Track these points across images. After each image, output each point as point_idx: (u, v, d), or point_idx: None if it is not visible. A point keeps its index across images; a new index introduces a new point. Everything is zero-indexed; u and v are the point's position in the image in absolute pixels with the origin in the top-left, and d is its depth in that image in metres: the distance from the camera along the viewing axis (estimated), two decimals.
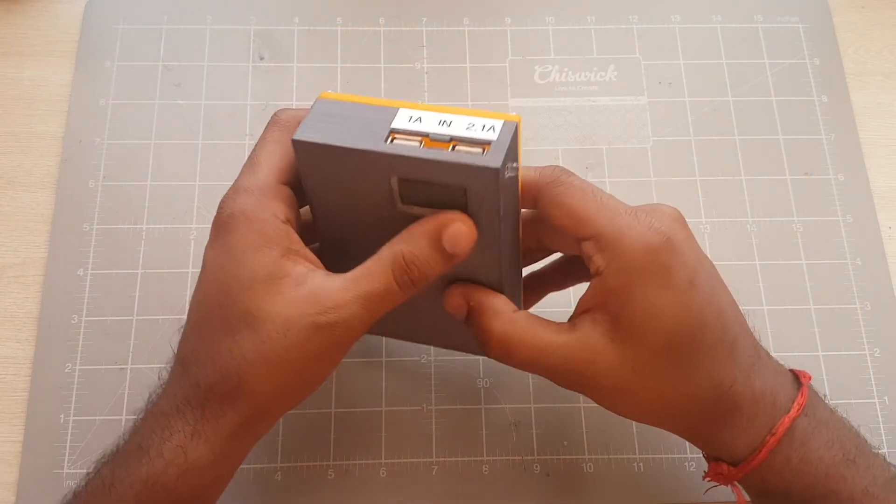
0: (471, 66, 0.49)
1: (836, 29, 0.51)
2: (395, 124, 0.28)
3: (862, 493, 0.30)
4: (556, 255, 0.36)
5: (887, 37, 0.51)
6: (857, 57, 0.51)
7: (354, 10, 0.51)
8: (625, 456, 0.41)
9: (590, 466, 0.40)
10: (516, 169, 0.29)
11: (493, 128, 0.27)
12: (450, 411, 0.41)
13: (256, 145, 0.31)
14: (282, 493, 0.39)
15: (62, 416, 0.40)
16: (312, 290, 0.29)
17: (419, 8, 0.51)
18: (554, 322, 0.32)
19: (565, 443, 0.41)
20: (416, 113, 0.28)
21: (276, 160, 0.30)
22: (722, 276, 0.32)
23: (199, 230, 0.44)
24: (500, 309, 0.31)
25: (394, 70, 0.49)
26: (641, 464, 0.40)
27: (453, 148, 0.27)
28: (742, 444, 0.31)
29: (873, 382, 0.42)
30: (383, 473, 0.40)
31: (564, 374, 0.31)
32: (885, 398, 0.42)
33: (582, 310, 0.31)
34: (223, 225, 0.29)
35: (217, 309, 0.29)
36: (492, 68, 0.49)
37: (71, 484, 0.37)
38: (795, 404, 0.31)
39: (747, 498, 0.34)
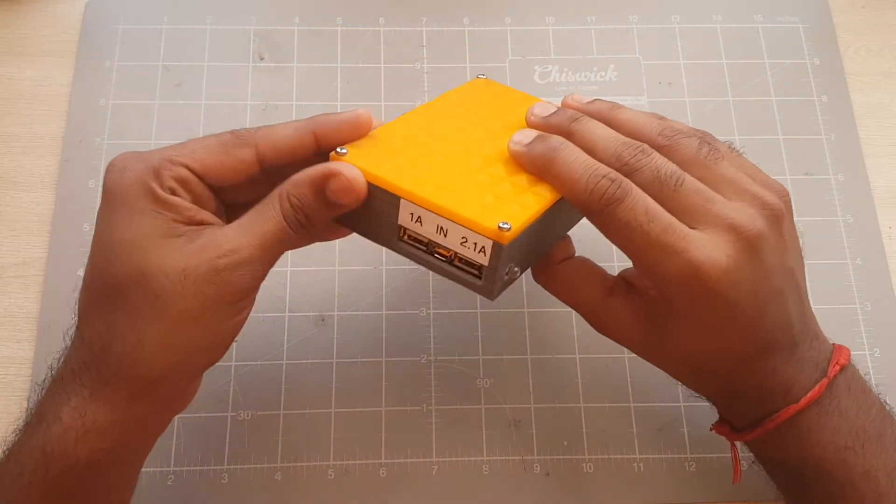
0: (471, 66, 0.49)
1: (836, 29, 0.51)
2: (401, 220, 0.31)
3: (861, 476, 0.31)
4: None
5: (887, 37, 0.51)
6: (857, 57, 0.51)
7: (354, 10, 0.51)
8: (625, 456, 0.41)
9: (590, 466, 0.40)
10: (517, 271, 0.31)
11: (483, 249, 0.29)
12: (450, 411, 0.41)
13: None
14: (282, 493, 0.39)
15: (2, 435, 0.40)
16: (209, 238, 0.29)
17: (419, 8, 0.51)
18: (600, 274, 0.33)
19: (565, 443, 0.41)
20: (415, 210, 0.30)
21: (201, 152, 0.31)
22: None
23: None
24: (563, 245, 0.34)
25: (394, 70, 0.49)
26: (641, 464, 0.40)
27: (455, 257, 0.31)
28: (743, 421, 0.33)
29: (873, 382, 0.42)
30: (383, 473, 0.40)
31: (593, 323, 0.34)
32: (885, 398, 0.42)
33: (627, 279, 0.33)
34: (110, 191, 0.29)
35: (103, 270, 0.29)
36: (492, 68, 0.49)
37: None
38: (805, 399, 0.31)
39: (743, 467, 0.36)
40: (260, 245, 0.29)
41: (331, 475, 0.40)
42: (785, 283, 0.31)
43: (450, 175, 0.31)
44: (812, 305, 0.44)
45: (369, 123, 0.32)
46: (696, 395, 0.35)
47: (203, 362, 0.30)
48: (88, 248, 0.43)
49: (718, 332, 0.30)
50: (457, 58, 0.49)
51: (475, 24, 0.51)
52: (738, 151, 0.33)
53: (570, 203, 0.31)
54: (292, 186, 0.30)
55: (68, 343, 0.31)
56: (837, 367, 0.32)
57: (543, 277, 0.34)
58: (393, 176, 0.30)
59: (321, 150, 0.31)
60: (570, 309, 0.43)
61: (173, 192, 0.30)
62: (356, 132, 0.32)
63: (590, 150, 0.31)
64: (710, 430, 0.36)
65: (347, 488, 0.40)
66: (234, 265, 0.28)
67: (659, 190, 0.30)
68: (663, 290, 0.30)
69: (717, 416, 0.35)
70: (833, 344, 0.33)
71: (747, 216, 0.30)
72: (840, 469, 0.31)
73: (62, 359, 0.30)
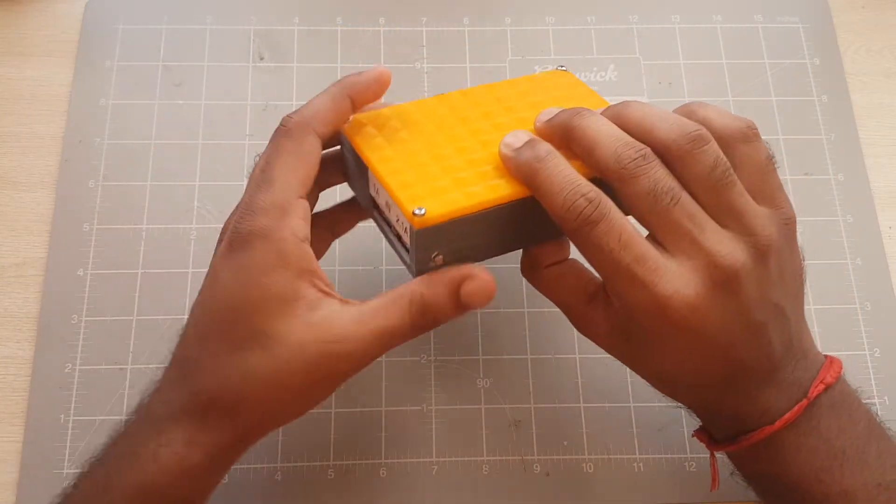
0: (471, 66, 0.49)
1: (836, 29, 0.51)
2: (370, 190, 0.33)
3: (838, 495, 0.30)
4: None
5: (887, 37, 0.51)
6: (857, 57, 0.51)
7: (354, 10, 0.51)
8: (625, 456, 0.41)
9: (590, 466, 0.40)
10: (441, 259, 0.31)
11: (407, 230, 0.30)
12: (450, 411, 0.41)
13: (268, 155, 0.31)
14: (282, 493, 0.39)
15: (62, 416, 0.40)
16: (326, 316, 0.29)
17: (419, 8, 0.51)
18: (586, 278, 0.33)
19: (565, 443, 0.41)
20: (375, 182, 0.32)
21: (291, 173, 0.30)
22: None
23: (199, 230, 0.44)
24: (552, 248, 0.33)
25: (394, 70, 0.48)
26: (641, 464, 0.40)
27: (400, 237, 0.32)
28: (721, 434, 0.33)
29: (873, 382, 0.42)
30: (383, 473, 0.40)
31: (575, 325, 0.34)
32: (885, 398, 0.42)
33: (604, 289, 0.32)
34: (241, 242, 0.29)
35: (226, 324, 0.29)
36: (492, 68, 0.49)
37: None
38: (780, 421, 0.30)
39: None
40: (375, 340, 0.29)
41: (331, 475, 0.40)
42: (767, 316, 0.30)
43: (425, 154, 0.32)
44: (812, 305, 0.44)
45: (389, 79, 0.33)
46: (676, 404, 0.35)
47: (288, 422, 0.31)
48: (88, 248, 0.43)
49: (687, 357, 0.30)
50: (457, 58, 0.49)
51: (475, 24, 0.51)
52: (774, 162, 0.32)
53: (551, 215, 0.30)
54: (426, 288, 0.29)
55: (161, 376, 0.31)
56: (821, 387, 0.31)
57: (528, 275, 0.34)
58: (368, 145, 0.32)
59: (356, 110, 0.33)
60: None
61: (305, 236, 0.30)
62: (382, 89, 0.33)
63: (589, 149, 0.30)
64: (693, 436, 0.36)
65: (347, 488, 0.40)
66: (345, 355, 0.29)
67: (652, 204, 0.29)
68: (627, 315, 0.30)
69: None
70: (826, 357, 0.32)
71: (730, 249, 0.29)
72: (817, 488, 0.31)
73: (158, 394, 0.30)
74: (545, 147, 0.30)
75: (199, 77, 0.48)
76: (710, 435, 0.34)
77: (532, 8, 0.51)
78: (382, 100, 0.34)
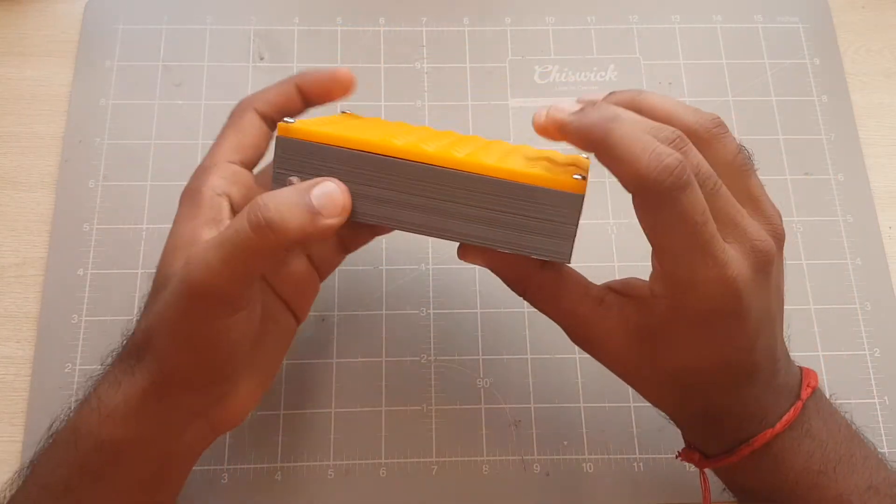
0: (471, 66, 0.49)
1: (836, 29, 0.51)
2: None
3: (833, 500, 0.30)
4: None
5: (887, 37, 0.51)
6: (857, 57, 0.51)
7: (354, 10, 0.51)
8: (625, 456, 0.41)
9: (590, 466, 0.40)
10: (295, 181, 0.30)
11: None
12: (450, 411, 0.41)
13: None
14: (282, 493, 0.39)
15: (59, 415, 0.40)
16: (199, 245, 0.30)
17: (419, 8, 0.51)
18: (584, 284, 0.32)
19: (565, 443, 0.41)
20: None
21: (224, 142, 0.33)
22: None
23: None
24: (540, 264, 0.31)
25: (394, 70, 0.49)
26: (641, 464, 0.40)
27: None
28: (717, 447, 0.32)
29: (873, 382, 0.42)
30: (383, 473, 0.40)
31: (576, 336, 0.32)
32: (885, 398, 0.42)
33: (617, 289, 0.31)
34: (179, 202, 0.32)
35: (156, 273, 0.31)
36: (492, 68, 0.49)
37: None
38: (780, 423, 0.30)
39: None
40: (216, 252, 0.27)
41: (331, 475, 0.40)
42: (777, 310, 0.30)
43: (358, 128, 0.32)
44: (812, 305, 0.44)
45: (348, 80, 0.33)
46: (668, 419, 0.33)
47: (202, 373, 0.30)
48: (88, 248, 0.43)
49: (719, 348, 0.29)
50: (457, 58, 0.49)
51: (475, 24, 0.50)
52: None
53: (624, 182, 0.27)
54: (271, 195, 0.29)
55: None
56: (809, 390, 0.31)
57: (521, 288, 0.32)
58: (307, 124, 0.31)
59: (308, 104, 0.34)
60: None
61: (226, 194, 0.31)
62: (336, 86, 0.34)
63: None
64: (676, 457, 0.34)
65: (347, 488, 0.40)
66: (197, 276, 0.28)
67: (733, 174, 0.28)
68: (682, 297, 0.28)
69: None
70: (800, 367, 0.33)
71: (764, 236, 0.29)
72: (814, 494, 0.31)
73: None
74: (612, 106, 0.28)
75: (199, 77, 0.48)
76: (700, 454, 0.33)
77: (532, 8, 0.51)
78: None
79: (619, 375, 0.32)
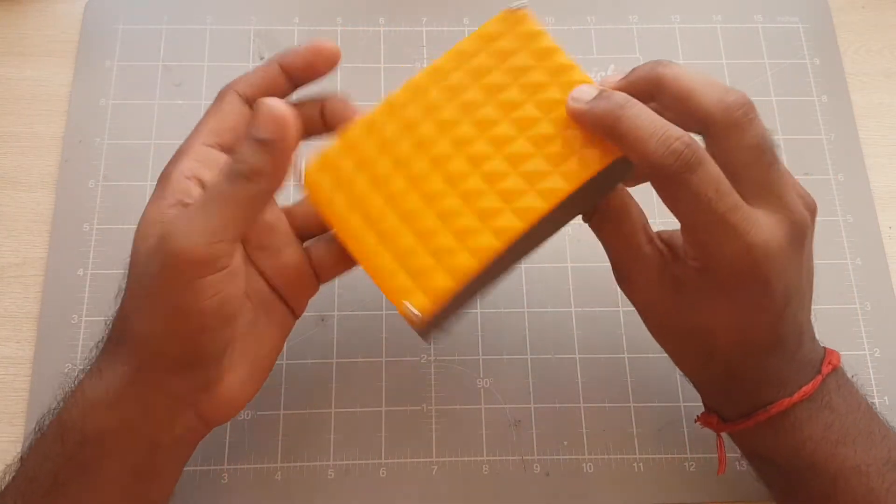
0: None
1: (836, 29, 0.51)
2: None
3: (852, 471, 0.31)
4: None
5: (887, 37, 0.51)
6: (857, 57, 0.51)
7: (354, 10, 0.51)
8: (625, 456, 0.41)
9: (590, 466, 0.40)
10: (453, 319, 0.32)
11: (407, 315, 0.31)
12: (450, 411, 0.41)
13: None
14: (282, 493, 0.39)
15: (46, 411, 0.40)
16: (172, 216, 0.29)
17: (419, 8, 0.51)
18: (644, 223, 0.33)
19: (565, 443, 0.41)
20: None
21: (202, 125, 0.32)
22: None
23: None
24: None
25: (394, 70, 0.49)
26: (641, 464, 0.40)
27: None
28: (734, 411, 0.33)
29: (873, 382, 0.42)
30: (383, 473, 0.40)
31: (622, 274, 0.33)
32: (885, 398, 0.42)
33: (666, 240, 0.32)
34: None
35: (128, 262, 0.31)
36: None
37: None
38: (798, 394, 0.31)
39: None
40: (199, 206, 0.28)
41: (331, 475, 0.40)
42: (807, 285, 0.31)
43: (393, 217, 0.31)
44: (812, 305, 0.44)
45: (331, 51, 0.32)
46: (688, 378, 0.35)
47: (181, 350, 0.29)
48: (88, 248, 0.43)
49: (744, 315, 0.30)
50: None
51: (475, 24, 0.50)
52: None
53: (638, 166, 0.29)
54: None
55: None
56: (830, 367, 0.32)
57: (589, 213, 0.33)
58: (339, 218, 0.31)
59: (295, 83, 0.33)
60: (570, 309, 0.43)
61: (195, 174, 0.31)
62: (320, 59, 0.32)
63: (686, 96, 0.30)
64: (696, 421, 0.36)
65: (347, 488, 0.40)
66: (175, 229, 0.28)
67: (758, 157, 0.29)
68: (709, 265, 0.29)
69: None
70: (824, 347, 0.34)
71: (801, 208, 0.30)
72: (831, 463, 0.31)
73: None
74: (621, 94, 0.29)
75: (199, 77, 0.48)
76: (718, 417, 0.34)
77: (532, 8, 0.51)
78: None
79: (648, 325, 0.33)
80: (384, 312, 0.43)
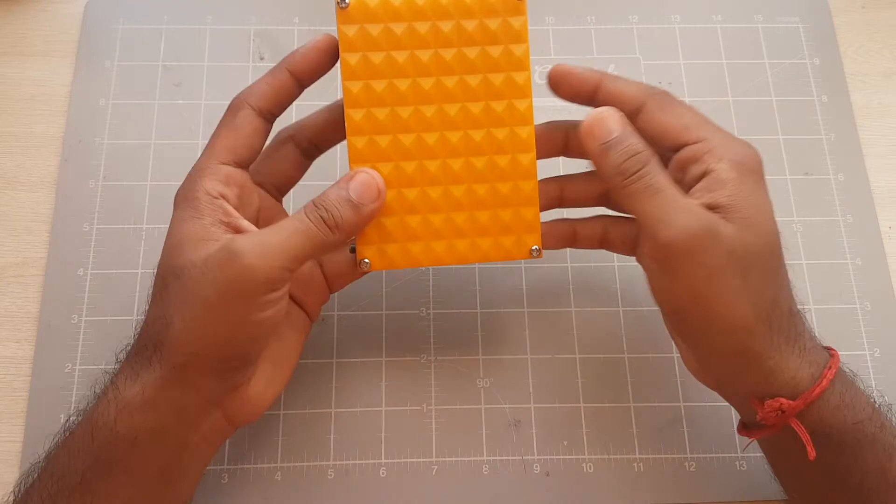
0: None
1: (836, 29, 0.51)
2: None
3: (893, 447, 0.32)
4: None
5: (887, 37, 0.51)
6: (857, 57, 0.51)
7: None
8: (625, 456, 0.41)
9: (590, 466, 0.40)
10: None
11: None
12: (450, 411, 0.41)
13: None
14: (282, 493, 0.39)
15: (62, 416, 0.40)
16: (235, 241, 0.30)
17: None
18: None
19: (565, 443, 0.41)
20: None
21: (218, 142, 0.33)
22: None
23: None
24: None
25: None
26: (641, 464, 0.40)
27: None
28: (805, 374, 0.32)
29: (873, 382, 0.42)
30: (383, 473, 0.40)
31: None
32: (885, 397, 0.42)
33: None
34: (174, 204, 0.33)
35: (159, 267, 0.32)
36: None
37: None
38: (833, 357, 0.32)
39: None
40: (281, 235, 0.31)
41: (331, 475, 0.40)
42: (756, 256, 0.33)
43: (446, 216, 0.35)
44: (812, 305, 0.44)
45: (334, 47, 0.34)
46: (726, 394, 0.35)
47: (229, 356, 0.31)
48: (88, 248, 0.43)
49: (696, 290, 0.32)
50: None
51: None
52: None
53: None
54: (321, 195, 0.32)
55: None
56: (838, 359, 0.33)
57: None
58: (418, 257, 0.35)
59: (303, 85, 0.35)
60: (570, 309, 0.43)
61: (221, 194, 0.32)
62: (326, 57, 0.34)
63: None
64: (760, 417, 0.32)
65: (347, 488, 0.40)
66: (250, 247, 0.30)
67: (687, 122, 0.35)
68: (732, 159, 0.33)
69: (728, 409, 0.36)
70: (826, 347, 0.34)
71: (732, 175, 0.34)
72: (890, 428, 0.32)
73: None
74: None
75: (199, 77, 0.48)
76: (781, 398, 0.32)
77: (532, 8, 0.51)
78: None
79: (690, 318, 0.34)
80: (384, 312, 0.43)
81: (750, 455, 0.40)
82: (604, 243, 0.38)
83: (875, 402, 0.33)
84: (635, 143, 0.32)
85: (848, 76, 0.50)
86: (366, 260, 0.35)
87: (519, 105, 0.35)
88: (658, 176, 0.32)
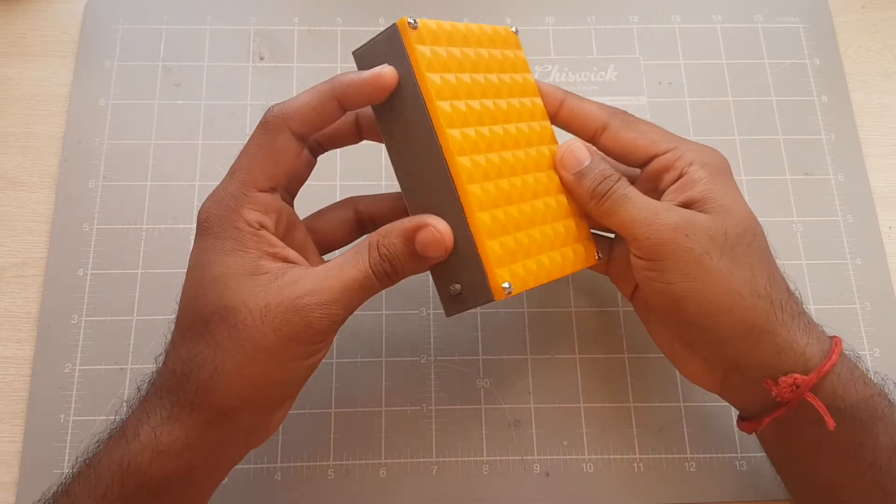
0: None
1: (836, 29, 0.51)
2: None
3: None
4: None
5: (887, 37, 0.51)
6: (857, 57, 0.51)
7: (354, 10, 0.51)
8: (625, 456, 0.41)
9: (590, 466, 0.40)
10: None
11: (476, 289, 0.32)
12: (450, 411, 0.41)
13: (245, 145, 0.32)
14: (282, 493, 0.39)
15: (62, 416, 0.40)
16: (293, 278, 0.30)
17: (419, 8, 0.51)
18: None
19: (565, 443, 0.41)
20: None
21: (256, 166, 0.31)
22: None
23: None
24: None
25: None
26: (641, 464, 0.40)
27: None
28: (815, 349, 0.32)
29: None
30: (383, 473, 0.40)
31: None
32: (885, 379, 0.42)
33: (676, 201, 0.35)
34: (202, 228, 0.31)
35: (193, 302, 0.30)
36: None
37: None
38: (834, 348, 0.33)
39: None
40: (341, 289, 0.30)
41: (331, 475, 0.40)
42: (738, 239, 0.34)
43: (511, 198, 0.34)
44: (812, 305, 0.44)
45: (393, 81, 0.31)
46: (730, 400, 0.35)
47: (277, 397, 0.31)
48: (88, 248, 0.43)
49: (687, 280, 0.33)
50: None
51: None
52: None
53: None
54: (382, 236, 0.31)
55: (158, 366, 0.31)
56: (840, 340, 0.34)
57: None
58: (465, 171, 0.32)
59: (346, 110, 0.32)
60: (570, 309, 0.43)
61: (260, 224, 0.31)
62: (379, 92, 0.31)
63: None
64: (774, 384, 0.32)
65: (347, 488, 0.40)
66: (314, 306, 0.29)
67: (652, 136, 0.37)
68: (702, 161, 0.35)
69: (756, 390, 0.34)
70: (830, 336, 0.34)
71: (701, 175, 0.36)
72: (874, 408, 0.32)
73: (150, 381, 0.31)
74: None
75: (199, 77, 0.48)
76: (794, 374, 0.32)
77: (532, 8, 0.51)
78: None
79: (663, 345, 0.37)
80: (384, 312, 0.43)
81: (750, 455, 0.41)
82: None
83: (879, 382, 0.34)
84: (604, 167, 0.35)
85: (848, 76, 0.50)
86: (506, 284, 0.31)
87: (546, 126, 0.37)
88: (628, 188, 0.34)
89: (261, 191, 0.31)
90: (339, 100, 0.31)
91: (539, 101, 0.37)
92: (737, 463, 0.40)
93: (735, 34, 0.51)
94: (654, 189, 0.36)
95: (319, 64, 0.49)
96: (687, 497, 0.40)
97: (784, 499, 0.39)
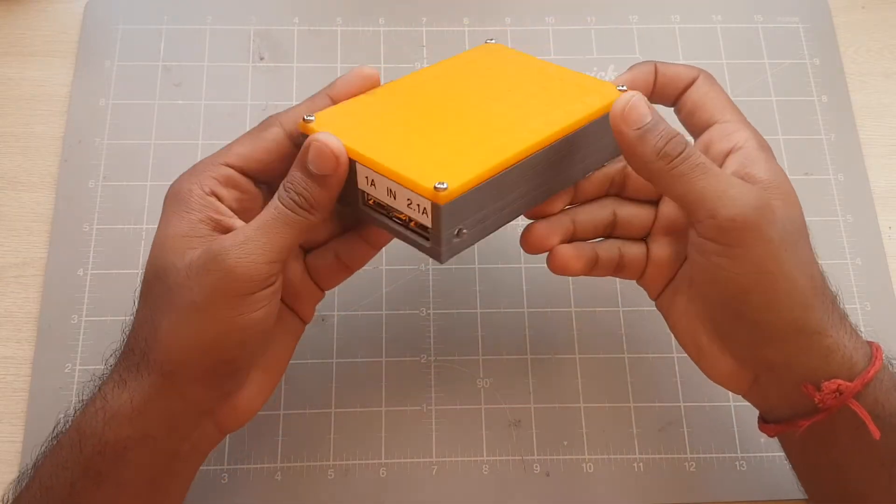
0: None
1: (836, 29, 0.51)
2: (360, 184, 0.31)
3: None
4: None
5: (887, 37, 0.51)
6: (857, 57, 0.51)
7: (354, 10, 0.51)
8: (625, 456, 0.41)
9: (590, 466, 0.40)
10: (466, 233, 0.30)
11: (425, 211, 0.29)
12: (450, 411, 0.41)
13: None
14: (282, 493, 0.39)
15: (62, 416, 0.40)
16: (218, 239, 0.29)
17: (419, 8, 0.51)
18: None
19: (565, 443, 0.41)
20: (368, 173, 0.30)
21: (234, 147, 0.32)
22: None
23: None
24: None
25: (394, 70, 0.49)
26: (641, 464, 0.40)
27: (409, 220, 0.30)
28: (860, 354, 0.31)
29: None
30: (383, 473, 0.40)
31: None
32: None
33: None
34: (167, 194, 0.32)
35: (146, 267, 0.31)
36: None
37: None
38: (874, 343, 0.32)
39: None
40: (256, 227, 0.29)
41: (331, 475, 0.40)
42: (792, 227, 0.33)
43: (409, 136, 0.31)
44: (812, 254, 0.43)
45: (375, 77, 0.33)
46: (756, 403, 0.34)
47: (219, 361, 0.30)
48: (88, 248, 0.43)
49: (760, 265, 0.31)
50: None
51: (475, 24, 0.50)
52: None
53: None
54: (286, 174, 0.31)
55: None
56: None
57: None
58: (347, 139, 0.30)
59: None
60: (570, 309, 0.43)
61: (215, 194, 0.31)
62: (367, 84, 0.33)
63: None
64: (816, 389, 0.31)
65: (347, 488, 0.40)
66: (229, 248, 0.29)
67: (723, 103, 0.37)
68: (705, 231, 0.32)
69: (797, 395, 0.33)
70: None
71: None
72: None
73: (114, 352, 0.32)
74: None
75: (199, 77, 0.48)
76: (837, 379, 0.31)
77: (532, 8, 0.51)
78: None
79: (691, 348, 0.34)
80: (384, 312, 0.43)
81: (750, 455, 0.41)
82: (619, 268, 0.36)
83: None
84: (669, 126, 0.31)
85: (848, 76, 0.50)
86: (440, 183, 0.28)
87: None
88: (702, 156, 0.30)
89: (228, 165, 0.31)
90: (331, 97, 0.33)
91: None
92: (737, 463, 0.40)
93: (735, 34, 0.51)
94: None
95: (319, 64, 0.49)
96: (687, 497, 0.40)
97: (784, 499, 0.39)
